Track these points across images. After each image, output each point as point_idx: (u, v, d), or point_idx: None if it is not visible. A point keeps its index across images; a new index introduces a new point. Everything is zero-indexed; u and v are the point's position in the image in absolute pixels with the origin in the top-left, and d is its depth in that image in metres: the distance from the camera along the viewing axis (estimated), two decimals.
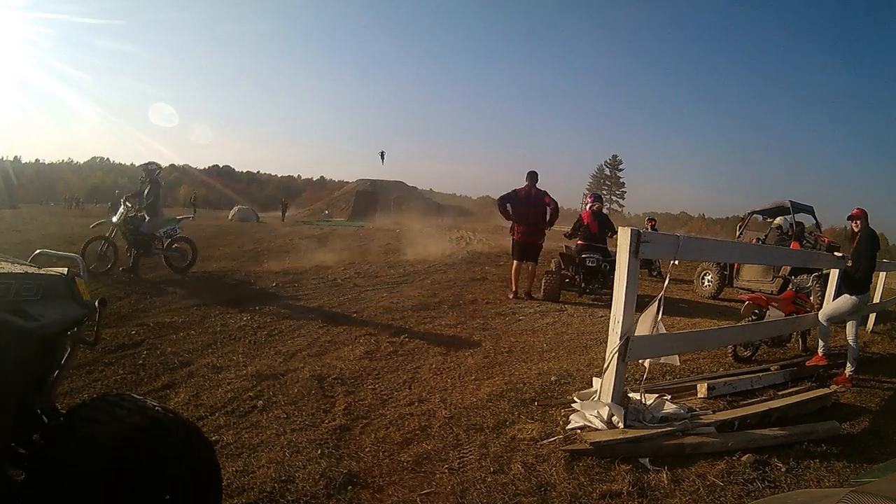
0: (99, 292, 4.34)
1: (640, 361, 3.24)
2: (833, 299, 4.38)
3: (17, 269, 1.44)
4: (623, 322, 2.66)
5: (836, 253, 5.22)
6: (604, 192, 62.48)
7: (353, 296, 5.97)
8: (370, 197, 42.39)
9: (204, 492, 1.55)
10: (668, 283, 3.16)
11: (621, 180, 69.63)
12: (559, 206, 6.43)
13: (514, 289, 6.42)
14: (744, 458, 2.50)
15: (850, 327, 4.16)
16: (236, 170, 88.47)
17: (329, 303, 5.55)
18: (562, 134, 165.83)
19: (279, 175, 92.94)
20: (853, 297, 4.05)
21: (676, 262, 3.13)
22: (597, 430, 2.62)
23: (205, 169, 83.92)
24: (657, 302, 2.85)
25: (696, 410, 2.92)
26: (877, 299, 6.01)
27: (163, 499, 1.44)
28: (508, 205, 6.38)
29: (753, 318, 4.43)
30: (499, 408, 2.97)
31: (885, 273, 6.32)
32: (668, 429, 2.63)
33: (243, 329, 4.40)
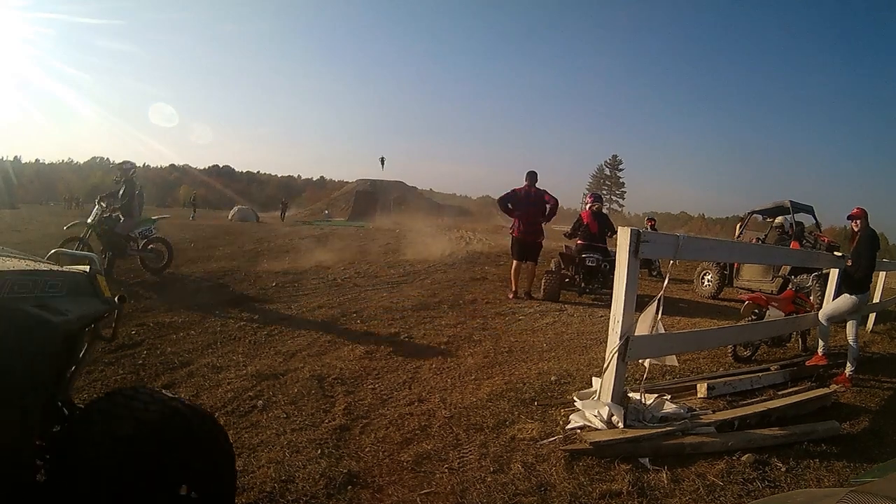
0: None
1: (640, 361, 3.25)
2: (833, 299, 4.38)
3: (43, 266, 1.48)
4: (623, 322, 2.66)
5: (835, 252, 5.22)
6: (604, 192, 62.51)
7: (353, 296, 5.97)
8: (370, 197, 42.38)
9: (220, 480, 1.59)
10: (668, 282, 3.16)
11: (621, 180, 69.73)
12: (559, 202, 6.44)
13: (513, 288, 6.42)
14: (744, 458, 2.50)
15: (850, 327, 4.16)
16: (236, 170, 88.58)
17: (329, 303, 5.55)
18: (562, 134, 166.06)
19: (279, 175, 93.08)
20: (853, 296, 4.05)
21: (676, 262, 3.13)
22: (597, 429, 2.62)
23: (205, 169, 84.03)
24: (657, 302, 2.85)
25: (695, 410, 2.92)
26: (877, 299, 6.01)
27: (181, 488, 1.47)
28: (509, 204, 6.40)
29: (753, 317, 4.43)
30: (499, 408, 2.97)
31: (885, 273, 6.32)
32: (668, 429, 2.63)
33: (243, 329, 4.40)
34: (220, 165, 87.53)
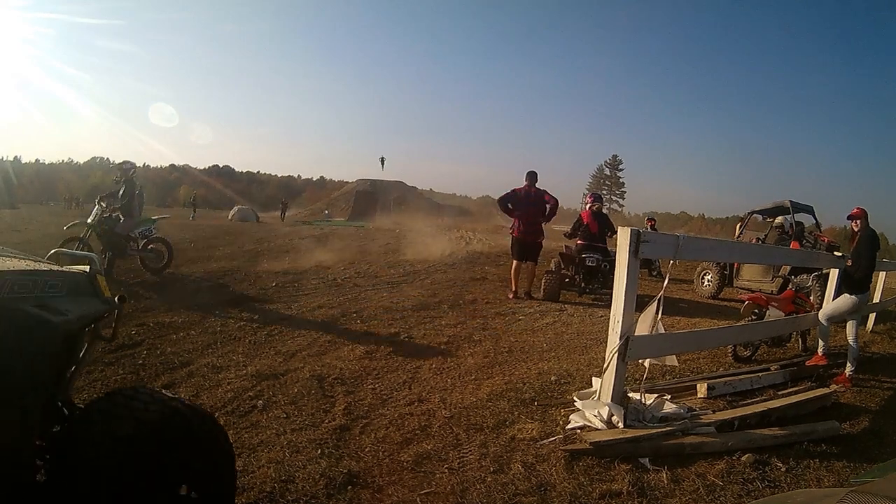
0: None
1: (640, 361, 3.25)
2: (833, 299, 4.38)
3: (43, 266, 1.48)
4: (623, 322, 2.66)
5: (835, 252, 5.22)
6: (604, 192, 62.52)
7: (353, 296, 5.97)
8: (370, 197, 42.39)
9: (220, 480, 1.59)
10: (668, 282, 3.16)
11: (621, 180, 69.73)
12: (559, 203, 6.44)
13: (513, 288, 6.42)
14: (744, 458, 2.50)
15: (850, 327, 4.16)
16: (236, 170, 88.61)
17: (329, 303, 5.55)
18: (562, 134, 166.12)
19: (279, 175, 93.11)
20: (853, 296, 4.05)
21: (676, 262, 3.13)
22: (597, 429, 2.62)
23: (205, 169, 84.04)
24: (657, 302, 2.85)
25: (695, 410, 2.92)
26: (877, 299, 6.01)
27: (181, 488, 1.47)
28: (509, 204, 6.40)
29: (753, 317, 4.43)
30: (499, 408, 2.97)
31: (885, 273, 6.32)
32: (668, 429, 2.63)
33: (243, 329, 4.40)
34: (220, 165, 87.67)
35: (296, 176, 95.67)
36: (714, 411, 3.00)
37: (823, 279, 5.10)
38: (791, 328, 4.54)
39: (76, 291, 1.46)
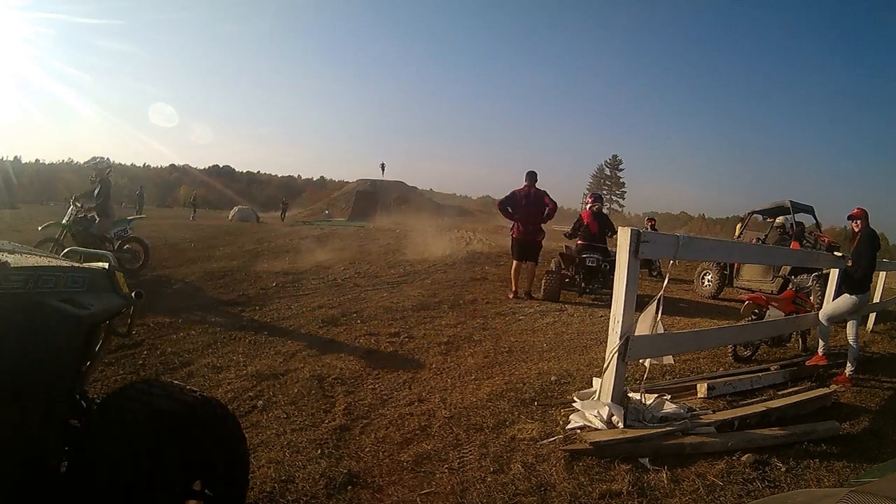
0: None
1: (640, 361, 3.25)
2: (833, 299, 4.38)
3: (64, 262, 1.53)
4: (623, 322, 2.66)
5: (836, 253, 5.22)
6: (604, 192, 62.49)
7: (353, 296, 5.97)
8: (370, 197, 42.34)
9: (233, 472, 1.63)
10: (668, 282, 3.16)
11: (621, 180, 69.76)
12: (557, 207, 6.45)
13: (514, 289, 6.42)
14: (744, 458, 2.50)
15: (850, 327, 4.16)
16: (236, 170, 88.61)
17: (329, 303, 5.55)
18: (562, 134, 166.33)
19: (279, 175, 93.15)
20: (853, 296, 4.05)
21: (676, 262, 3.13)
22: (597, 429, 2.62)
23: (205, 169, 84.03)
24: (657, 302, 2.85)
25: (696, 410, 2.92)
26: (877, 299, 6.01)
27: (196, 478, 1.52)
28: (509, 207, 6.40)
29: (753, 317, 4.43)
30: (499, 408, 2.97)
31: (885, 273, 6.32)
32: (668, 429, 2.63)
33: (243, 329, 4.40)
34: (221, 165, 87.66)
35: (296, 176, 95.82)
36: (714, 411, 3.00)
37: (823, 279, 5.10)
38: (791, 328, 4.54)
39: (96, 287, 1.49)
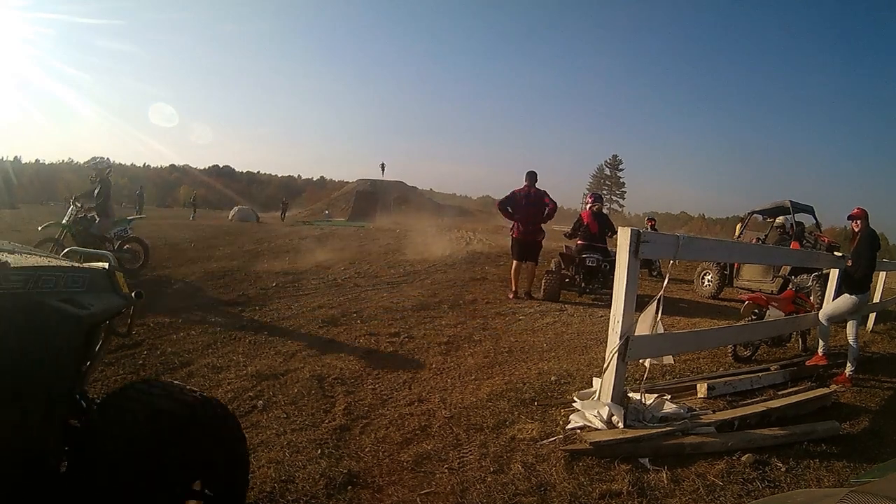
0: None
1: (640, 361, 3.25)
2: (833, 299, 4.38)
3: (64, 262, 1.53)
4: (623, 322, 2.66)
5: (836, 253, 5.22)
6: (604, 192, 62.50)
7: (353, 296, 5.97)
8: (370, 197, 42.34)
9: (233, 471, 1.64)
10: (668, 282, 3.16)
11: (621, 180, 69.78)
12: (557, 208, 6.45)
13: (514, 289, 6.42)
14: (744, 458, 2.50)
15: (850, 327, 4.16)
16: (236, 170, 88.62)
17: (329, 303, 5.55)
18: (562, 134, 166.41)
19: (279, 175, 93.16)
20: (853, 296, 4.05)
21: (676, 262, 3.13)
22: (597, 429, 2.62)
23: (205, 169, 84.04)
24: (657, 302, 2.85)
25: (696, 410, 2.92)
26: (877, 299, 6.01)
27: (196, 478, 1.52)
28: (509, 207, 6.41)
29: (753, 317, 4.43)
30: (499, 408, 2.97)
31: (885, 273, 6.32)
32: (668, 429, 2.63)
33: (243, 329, 4.40)
34: (221, 165, 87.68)
35: (296, 176, 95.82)
36: (714, 411, 3.00)
37: (823, 279, 5.10)
38: (791, 328, 4.54)
39: (96, 287, 1.49)
